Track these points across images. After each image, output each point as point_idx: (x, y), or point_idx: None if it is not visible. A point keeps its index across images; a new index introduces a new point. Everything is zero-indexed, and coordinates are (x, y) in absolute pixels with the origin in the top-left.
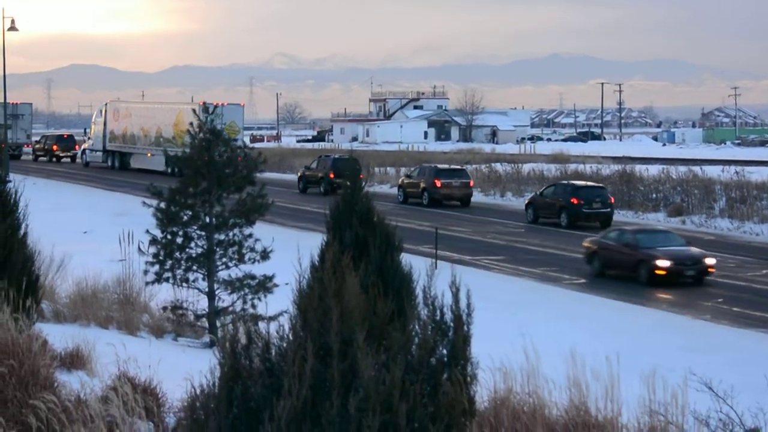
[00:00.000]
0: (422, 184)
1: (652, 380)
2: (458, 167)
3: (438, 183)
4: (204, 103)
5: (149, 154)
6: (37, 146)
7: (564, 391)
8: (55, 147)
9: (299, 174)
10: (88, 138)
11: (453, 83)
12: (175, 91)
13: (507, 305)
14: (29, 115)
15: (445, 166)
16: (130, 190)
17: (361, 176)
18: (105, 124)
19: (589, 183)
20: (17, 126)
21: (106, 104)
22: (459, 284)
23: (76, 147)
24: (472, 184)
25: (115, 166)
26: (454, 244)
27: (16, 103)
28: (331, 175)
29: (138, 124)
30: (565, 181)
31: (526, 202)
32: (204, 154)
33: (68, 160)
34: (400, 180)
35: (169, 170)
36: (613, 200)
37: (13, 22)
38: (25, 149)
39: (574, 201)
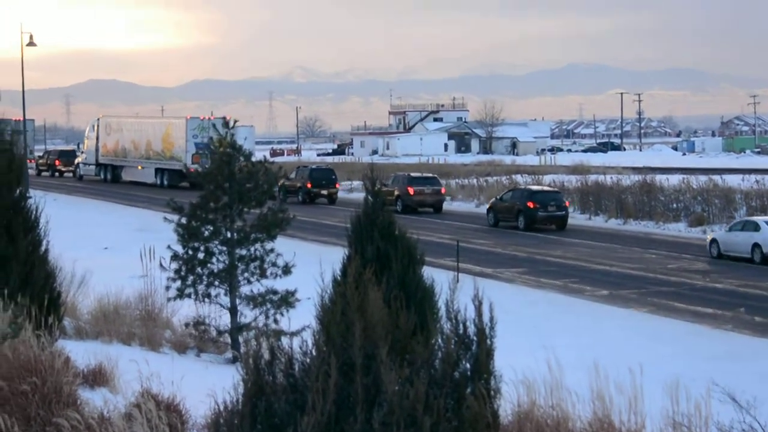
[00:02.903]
0: (396, 192)
1: (675, 391)
2: (430, 175)
3: (411, 190)
4: (224, 118)
5: (140, 167)
6: (41, 161)
7: (587, 403)
8: (57, 162)
9: (279, 184)
10: (82, 152)
11: (472, 94)
12: (195, 105)
13: (529, 318)
14: (31, 131)
15: (418, 174)
16: (151, 205)
17: (337, 185)
18: (97, 138)
19: (545, 188)
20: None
21: (98, 119)
22: (482, 297)
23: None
24: (443, 191)
25: (107, 179)
26: (475, 257)
27: (18, 120)
28: (308, 185)
29: (129, 138)
30: (523, 186)
31: (487, 206)
32: (225, 168)
33: (70, 174)
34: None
35: (159, 182)
36: (568, 204)
37: (31, 37)
38: (28, 164)
39: (530, 204)
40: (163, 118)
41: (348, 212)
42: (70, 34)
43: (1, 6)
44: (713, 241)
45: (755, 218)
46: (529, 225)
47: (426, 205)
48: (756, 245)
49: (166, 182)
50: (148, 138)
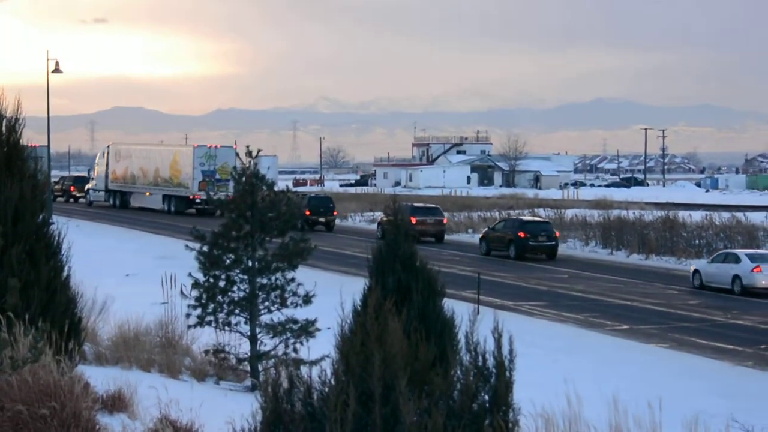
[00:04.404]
0: None
1: (694, 427)
2: (433, 206)
3: (414, 220)
4: (248, 147)
5: (148, 193)
6: (56, 187)
7: None
8: (72, 188)
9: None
10: (92, 179)
11: (497, 128)
12: (219, 134)
13: (549, 351)
14: (47, 158)
15: (421, 204)
16: (173, 233)
17: (335, 213)
18: (107, 165)
19: (536, 218)
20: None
21: (108, 146)
22: (501, 330)
23: None
24: (445, 221)
25: (116, 205)
26: (496, 290)
27: (35, 146)
28: (307, 213)
29: (137, 165)
30: (514, 216)
31: (480, 236)
32: (247, 197)
33: (84, 200)
34: (380, 218)
35: (166, 208)
36: (558, 234)
37: (57, 64)
38: None
39: (521, 234)
40: (170, 146)
41: (348, 240)
42: (96, 61)
43: (28, 33)
44: (696, 272)
45: (736, 251)
46: (520, 254)
47: (428, 235)
48: (736, 277)
49: (173, 209)
50: (157, 165)
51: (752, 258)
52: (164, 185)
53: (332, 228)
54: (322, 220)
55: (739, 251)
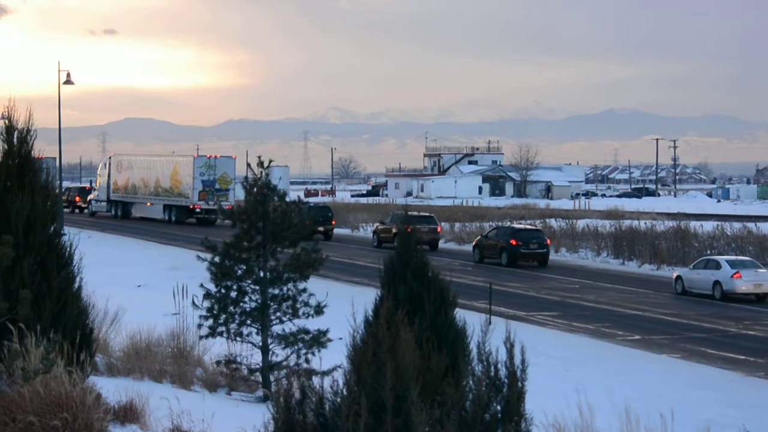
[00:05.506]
0: (394, 230)
1: None
2: (427, 214)
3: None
4: (259, 157)
5: (149, 203)
6: (62, 197)
7: None
8: (77, 198)
9: None
10: (94, 189)
11: (507, 138)
12: (230, 144)
13: (561, 361)
14: (53, 169)
15: (416, 213)
16: (184, 243)
17: (333, 222)
18: (109, 176)
19: (528, 226)
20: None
21: (110, 157)
22: (513, 340)
23: None
24: (439, 230)
25: (118, 215)
26: (507, 300)
27: (42, 157)
28: (306, 222)
29: (138, 176)
30: (506, 224)
31: (474, 244)
32: (259, 208)
33: (87, 210)
34: (375, 226)
35: (167, 218)
36: (549, 242)
37: (68, 75)
38: None
39: (513, 242)
40: (171, 156)
41: (359, 250)
42: (106, 73)
43: (37, 45)
44: (678, 278)
45: (717, 257)
46: (512, 261)
47: (422, 243)
48: (717, 282)
49: (173, 218)
50: (157, 175)
51: (732, 264)
52: (165, 195)
53: (330, 237)
54: (320, 229)
55: (720, 257)
